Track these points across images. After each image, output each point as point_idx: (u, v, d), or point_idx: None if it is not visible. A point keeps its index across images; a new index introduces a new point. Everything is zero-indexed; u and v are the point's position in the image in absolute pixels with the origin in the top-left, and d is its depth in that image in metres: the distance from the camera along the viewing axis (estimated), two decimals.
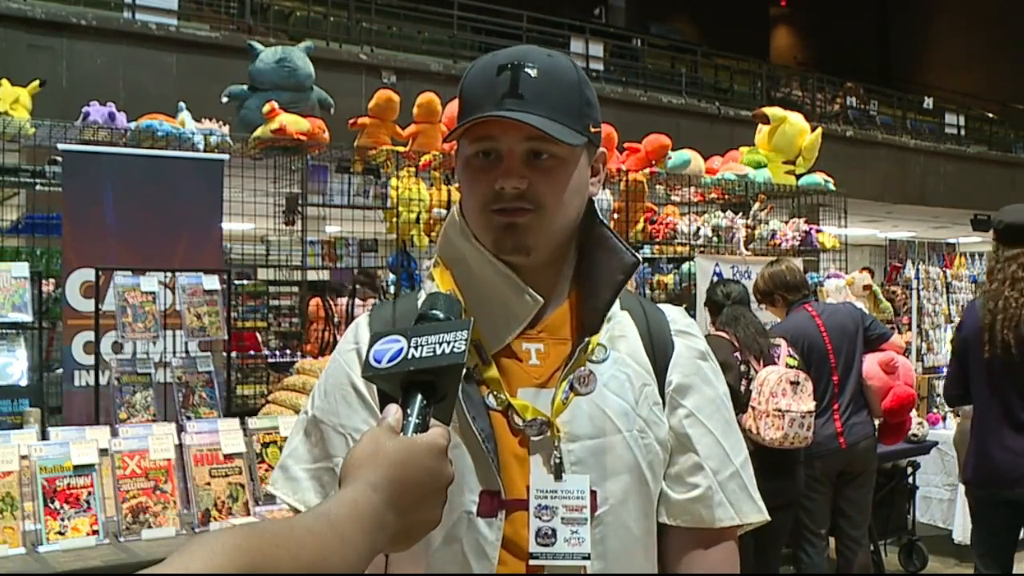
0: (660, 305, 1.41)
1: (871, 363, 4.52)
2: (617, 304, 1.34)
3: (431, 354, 1.02)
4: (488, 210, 1.24)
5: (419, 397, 1.01)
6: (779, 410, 3.96)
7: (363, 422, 1.26)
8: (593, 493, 1.23)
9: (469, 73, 1.28)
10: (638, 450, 1.26)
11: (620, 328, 1.32)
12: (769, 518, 1.36)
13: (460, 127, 1.24)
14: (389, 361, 1.03)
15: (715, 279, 5.78)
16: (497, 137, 1.23)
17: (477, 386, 1.25)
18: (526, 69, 1.22)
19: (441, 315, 1.09)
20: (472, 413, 1.23)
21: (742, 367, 4.06)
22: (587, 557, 1.22)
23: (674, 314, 1.39)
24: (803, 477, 4.25)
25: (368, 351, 1.05)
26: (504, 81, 1.22)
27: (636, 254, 1.33)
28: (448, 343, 1.02)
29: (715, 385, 1.35)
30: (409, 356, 1.02)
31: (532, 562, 1.22)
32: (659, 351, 1.32)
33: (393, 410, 1.00)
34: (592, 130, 1.28)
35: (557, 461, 1.23)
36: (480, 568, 1.22)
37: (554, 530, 1.22)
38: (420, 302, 1.22)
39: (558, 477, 1.23)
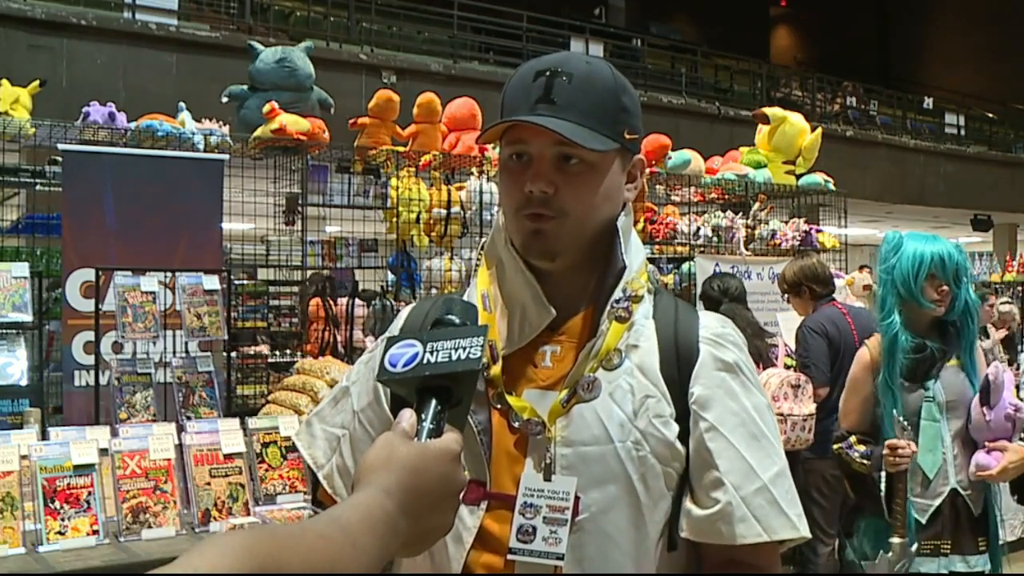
0: (703, 312, 1.38)
1: None
2: (647, 310, 1.33)
3: (446, 360, 1.01)
4: (520, 213, 1.28)
5: (433, 402, 1.00)
6: (781, 414, 3.97)
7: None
8: (576, 499, 1.24)
9: (511, 78, 1.33)
10: (630, 462, 1.25)
11: (638, 336, 1.31)
12: (808, 535, 1.29)
13: (489, 129, 1.29)
14: (404, 365, 1.02)
15: None
16: (528, 141, 1.27)
17: (484, 382, 1.28)
18: (561, 76, 1.26)
19: (457, 320, 1.09)
20: (473, 406, 1.25)
21: None
22: (561, 557, 1.22)
23: (708, 321, 1.35)
24: (802, 477, 4.25)
25: (384, 355, 1.05)
26: (539, 87, 1.26)
27: (624, 259, 1.32)
28: (464, 349, 1.02)
29: (740, 397, 1.30)
30: (424, 361, 1.02)
31: (510, 557, 1.24)
32: (683, 360, 1.30)
33: (407, 415, 1.00)
34: (628, 136, 1.31)
35: (548, 462, 1.25)
36: (454, 550, 1.25)
37: (534, 528, 1.24)
38: (466, 298, 1.29)
39: (547, 477, 1.25)
